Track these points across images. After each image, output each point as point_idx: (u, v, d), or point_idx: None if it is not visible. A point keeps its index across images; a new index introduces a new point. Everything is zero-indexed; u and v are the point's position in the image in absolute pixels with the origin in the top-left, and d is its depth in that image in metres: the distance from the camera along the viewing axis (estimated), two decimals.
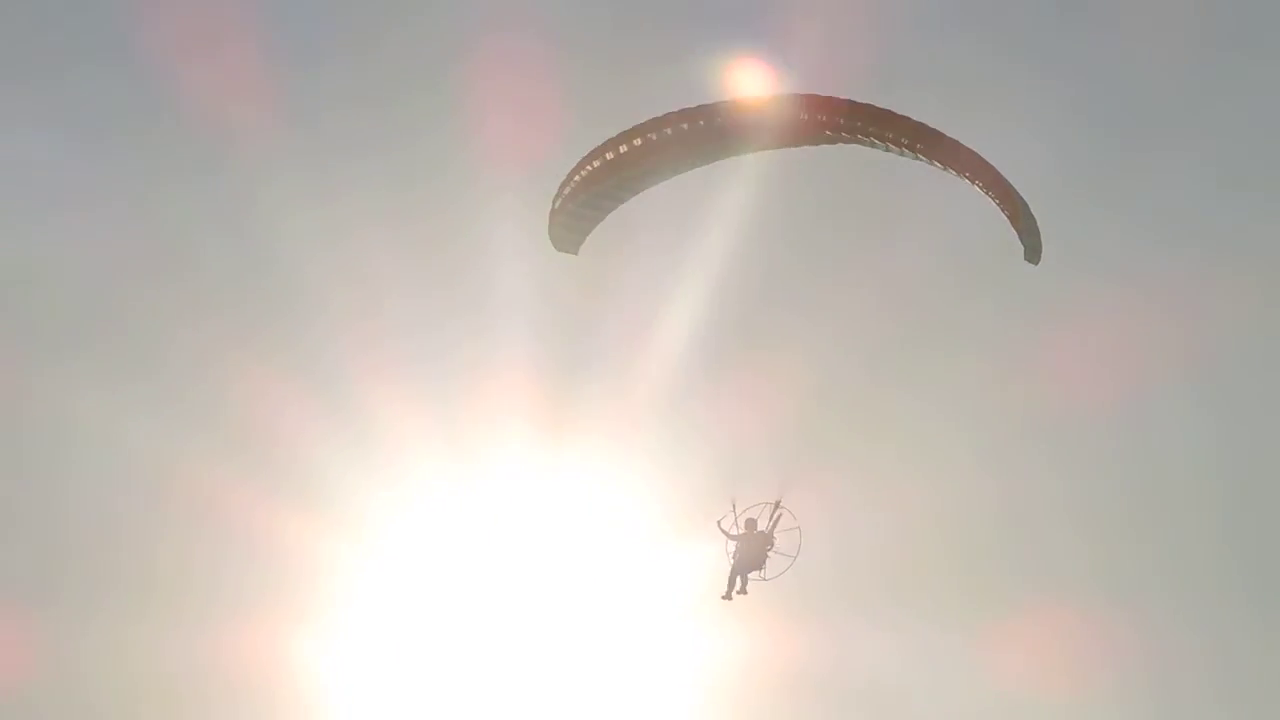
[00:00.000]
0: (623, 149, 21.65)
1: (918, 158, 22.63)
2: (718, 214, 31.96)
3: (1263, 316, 35.35)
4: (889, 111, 22.16)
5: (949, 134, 22.96)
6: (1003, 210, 23.27)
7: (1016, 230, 23.33)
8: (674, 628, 34.70)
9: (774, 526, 29.09)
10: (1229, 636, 35.14)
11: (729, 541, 29.24)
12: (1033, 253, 23.56)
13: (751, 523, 29.43)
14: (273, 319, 34.29)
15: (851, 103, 21.80)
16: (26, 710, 31.66)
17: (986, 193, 23.16)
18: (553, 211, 23.73)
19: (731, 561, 29.13)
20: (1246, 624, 35.11)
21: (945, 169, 22.85)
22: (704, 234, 32.07)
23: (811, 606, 34.39)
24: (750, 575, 29.18)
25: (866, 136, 21.90)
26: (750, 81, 23.78)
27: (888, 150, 22.50)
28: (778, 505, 29.33)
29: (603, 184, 22.37)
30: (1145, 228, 35.57)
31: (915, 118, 22.77)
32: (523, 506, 34.07)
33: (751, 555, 29.27)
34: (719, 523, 29.28)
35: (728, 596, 29.29)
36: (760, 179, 31.54)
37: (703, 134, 21.81)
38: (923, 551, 35.53)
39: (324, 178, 34.42)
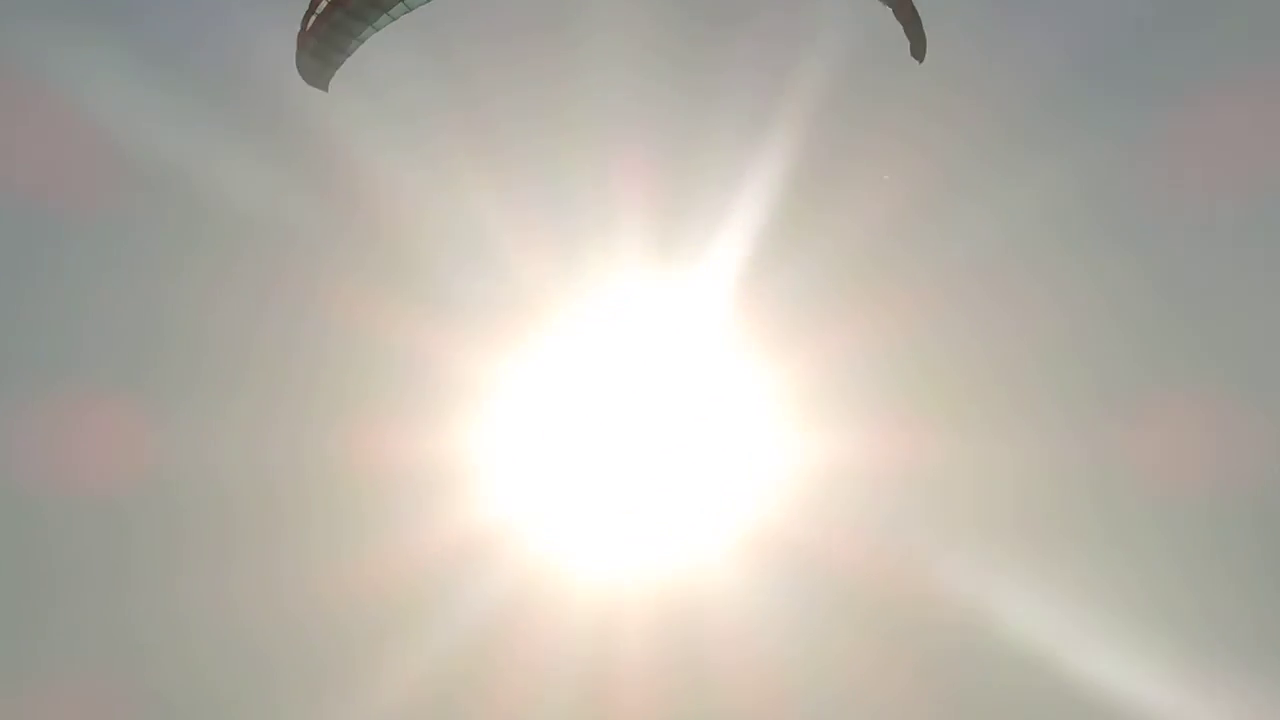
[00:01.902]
0: None
1: None
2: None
3: None
4: None
5: None
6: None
7: (902, 24, 20.62)
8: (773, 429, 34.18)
9: None
10: None
11: None
12: (918, 48, 20.74)
13: None
14: (392, 130, 34.55)
15: None
16: (166, 506, 34.05)
17: None
18: (301, 35, 21.03)
19: None
20: None
21: None
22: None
23: (915, 407, 33.15)
24: None
25: None
26: None
27: None
28: None
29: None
30: None
31: None
32: (630, 310, 33.76)
33: None
34: None
35: None
36: None
37: None
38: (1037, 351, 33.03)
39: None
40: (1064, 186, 32.73)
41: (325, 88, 21.25)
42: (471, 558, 33.55)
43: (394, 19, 20.71)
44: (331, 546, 33.31)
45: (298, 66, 21.51)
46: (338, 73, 20.79)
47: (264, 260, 33.57)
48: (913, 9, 20.44)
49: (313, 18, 20.72)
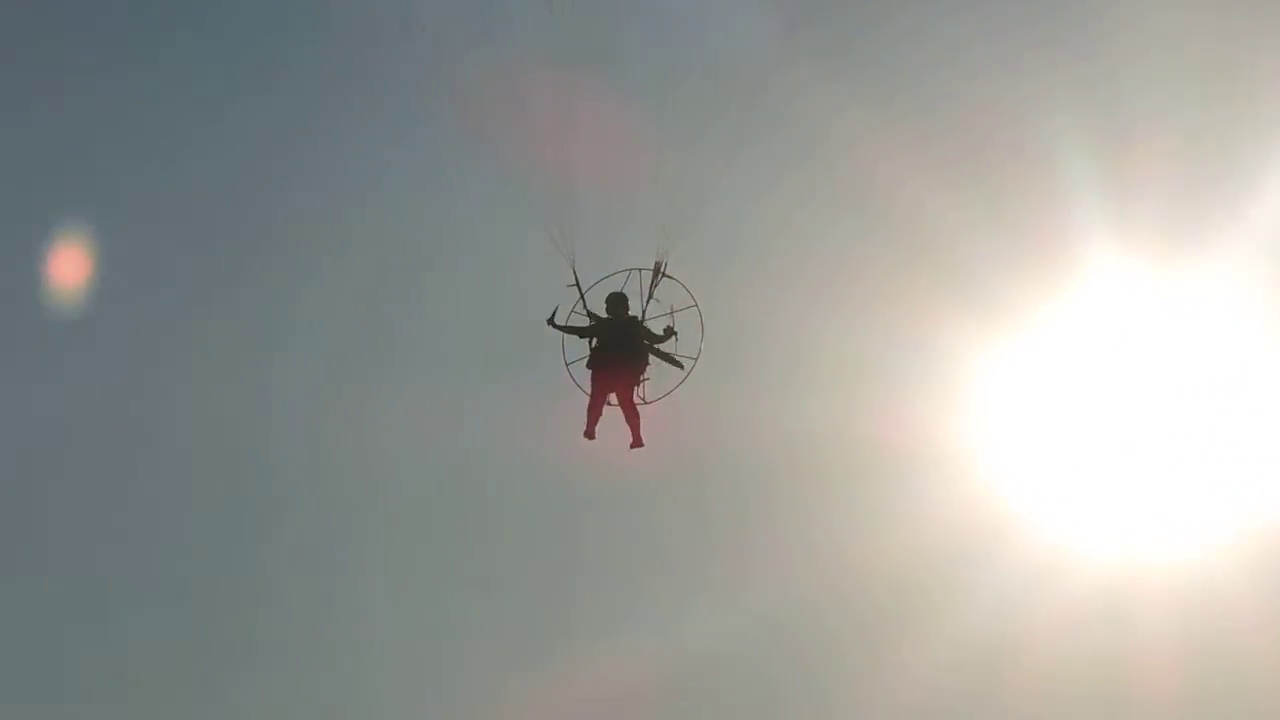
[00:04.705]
0: None
1: None
2: None
3: None
4: None
5: None
6: None
7: None
8: None
9: (649, 305, 18.65)
10: None
11: (568, 339, 18.70)
12: None
13: (619, 300, 18.69)
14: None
15: None
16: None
17: None
18: None
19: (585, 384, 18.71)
20: None
21: None
22: None
23: None
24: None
25: None
26: None
27: None
28: (659, 270, 18.63)
29: None
30: None
31: None
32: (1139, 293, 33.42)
33: (622, 361, 18.67)
34: (551, 319, 18.52)
35: (589, 434, 18.91)
36: None
37: None
38: None
39: None
40: None
41: None
42: (983, 544, 33.26)
43: None
44: (850, 527, 33.37)
45: None
46: None
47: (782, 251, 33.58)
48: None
49: None
